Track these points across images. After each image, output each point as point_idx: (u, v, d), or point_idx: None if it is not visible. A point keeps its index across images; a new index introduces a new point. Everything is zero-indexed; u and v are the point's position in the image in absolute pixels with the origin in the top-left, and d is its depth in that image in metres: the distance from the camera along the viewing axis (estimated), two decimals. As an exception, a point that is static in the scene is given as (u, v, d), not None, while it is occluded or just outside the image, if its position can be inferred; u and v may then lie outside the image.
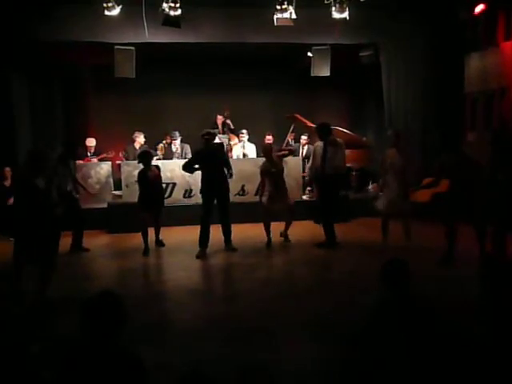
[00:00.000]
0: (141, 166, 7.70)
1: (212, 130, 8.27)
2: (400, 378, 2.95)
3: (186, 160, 7.70)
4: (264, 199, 7.75)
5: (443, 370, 3.03)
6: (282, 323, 4.73)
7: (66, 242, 7.16)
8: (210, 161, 7.36)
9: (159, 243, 7.87)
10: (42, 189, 5.30)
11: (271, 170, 7.69)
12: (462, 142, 8.42)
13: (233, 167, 7.65)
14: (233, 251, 7.45)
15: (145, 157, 7.70)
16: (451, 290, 5.49)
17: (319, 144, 7.71)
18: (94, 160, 10.18)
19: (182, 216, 9.04)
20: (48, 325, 4.72)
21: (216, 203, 7.46)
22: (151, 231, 7.73)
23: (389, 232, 7.32)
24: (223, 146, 8.48)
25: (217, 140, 9.97)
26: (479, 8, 9.14)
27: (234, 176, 7.65)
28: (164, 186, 8.40)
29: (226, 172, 7.50)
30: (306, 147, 10.60)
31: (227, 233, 7.55)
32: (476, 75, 9.70)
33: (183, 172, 9.08)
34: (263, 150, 8.05)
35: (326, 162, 7.46)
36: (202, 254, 7.28)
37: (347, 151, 10.11)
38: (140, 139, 10.34)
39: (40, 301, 5.25)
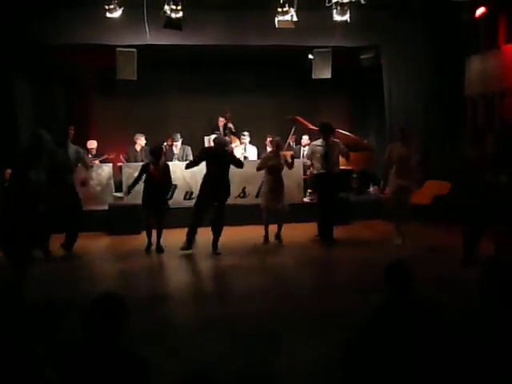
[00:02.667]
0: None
1: (223, 138, 8.36)
2: (401, 379, 2.95)
3: (191, 160, 7.74)
4: (262, 198, 8.00)
5: (444, 372, 3.03)
6: (283, 324, 4.73)
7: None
8: (216, 161, 7.37)
9: (159, 249, 7.64)
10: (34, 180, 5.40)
11: (271, 160, 7.89)
12: (463, 144, 8.44)
13: (234, 170, 7.67)
14: (216, 255, 7.37)
15: (156, 152, 7.76)
16: (454, 291, 5.48)
17: (316, 143, 8.07)
18: (96, 162, 10.18)
19: (182, 218, 9.01)
20: (51, 326, 4.72)
21: (214, 206, 7.47)
22: (154, 233, 7.71)
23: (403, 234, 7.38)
24: (231, 152, 8.48)
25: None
26: (480, 11, 9.14)
27: (240, 168, 7.71)
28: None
29: (235, 165, 7.55)
30: (306, 148, 10.60)
31: (216, 237, 7.46)
32: (477, 78, 9.70)
33: (184, 174, 9.10)
34: (275, 143, 8.22)
35: (328, 161, 7.79)
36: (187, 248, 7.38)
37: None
38: (141, 141, 10.35)
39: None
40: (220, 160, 7.40)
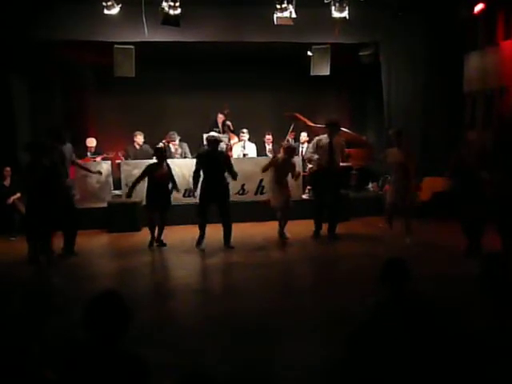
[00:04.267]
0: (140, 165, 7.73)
1: (217, 136, 8.30)
2: (399, 378, 2.95)
3: (194, 170, 7.67)
4: (271, 198, 7.94)
5: (443, 368, 3.03)
6: (284, 322, 4.74)
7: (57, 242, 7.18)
8: (212, 165, 7.38)
9: (161, 243, 7.79)
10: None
11: (278, 162, 7.80)
12: (462, 141, 8.44)
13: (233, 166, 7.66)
14: (230, 249, 7.47)
15: (160, 153, 7.75)
16: (453, 287, 5.49)
17: (322, 138, 7.94)
18: (98, 159, 10.15)
19: (182, 215, 9.03)
20: (50, 325, 4.72)
21: (217, 206, 7.48)
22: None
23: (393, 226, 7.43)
24: (228, 157, 8.39)
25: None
26: (479, 7, 9.14)
27: (234, 179, 7.68)
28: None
29: (230, 175, 7.53)
30: (305, 145, 10.60)
31: (227, 233, 7.56)
32: (475, 74, 9.70)
33: (184, 171, 9.10)
34: (289, 150, 8.01)
35: (332, 157, 7.78)
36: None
37: (347, 150, 10.23)
38: (139, 139, 10.33)
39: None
40: (215, 160, 7.39)
